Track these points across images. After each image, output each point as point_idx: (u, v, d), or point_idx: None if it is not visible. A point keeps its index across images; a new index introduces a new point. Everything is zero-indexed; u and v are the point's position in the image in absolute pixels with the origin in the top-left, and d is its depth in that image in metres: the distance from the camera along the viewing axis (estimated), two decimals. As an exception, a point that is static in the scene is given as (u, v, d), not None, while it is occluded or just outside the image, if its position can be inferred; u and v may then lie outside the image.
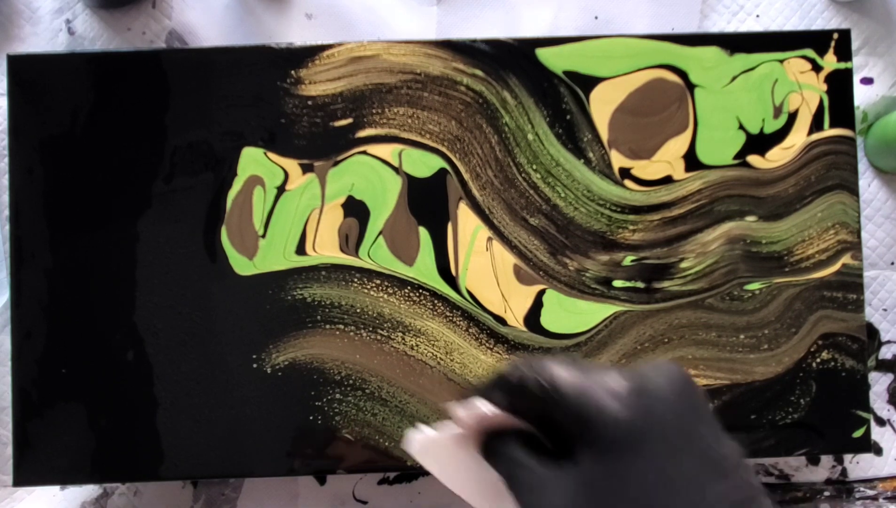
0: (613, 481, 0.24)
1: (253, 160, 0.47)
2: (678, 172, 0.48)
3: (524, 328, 0.47)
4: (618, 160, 0.47)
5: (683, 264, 0.47)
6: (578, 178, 0.47)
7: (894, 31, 0.56)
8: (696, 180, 0.48)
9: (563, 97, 0.47)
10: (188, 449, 0.46)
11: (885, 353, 0.55)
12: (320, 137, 0.47)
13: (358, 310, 0.47)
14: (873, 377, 0.55)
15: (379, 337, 0.47)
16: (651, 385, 0.25)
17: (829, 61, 0.48)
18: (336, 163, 0.47)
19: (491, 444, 0.27)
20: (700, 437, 0.24)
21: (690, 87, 0.48)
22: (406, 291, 0.47)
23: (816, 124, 0.48)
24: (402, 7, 0.55)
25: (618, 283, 0.47)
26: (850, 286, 0.48)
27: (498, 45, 0.47)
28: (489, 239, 0.47)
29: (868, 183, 0.55)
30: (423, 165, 0.47)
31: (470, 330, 0.47)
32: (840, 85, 0.48)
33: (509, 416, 0.27)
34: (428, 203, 0.47)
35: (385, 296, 0.47)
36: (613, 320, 0.48)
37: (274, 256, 0.47)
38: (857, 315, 0.48)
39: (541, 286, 0.47)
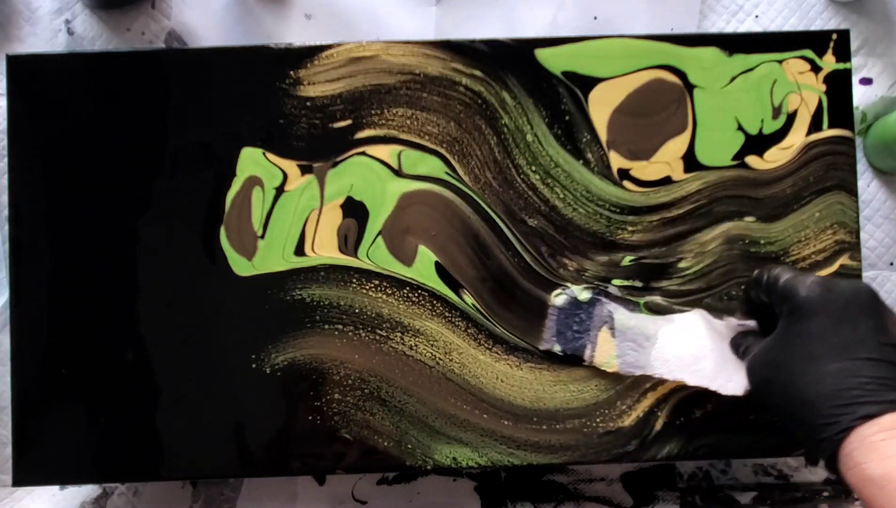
0: (790, 335, 0.39)
1: (252, 161, 0.47)
2: (677, 172, 0.48)
3: (523, 329, 0.47)
4: (616, 161, 0.47)
5: (682, 264, 0.47)
6: (577, 179, 0.47)
7: (893, 31, 0.56)
8: (695, 181, 0.48)
9: (562, 98, 0.47)
10: (188, 449, 0.46)
11: (884, 353, 0.55)
12: (319, 139, 0.47)
13: (357, 310, 0.47)
14: (872, 377, 0.55)
15: (378, 337, 0.47)
16: (832, 283, 0.38)
17: (828, 62, 0.48)
18: (335, 164, 0.47)
19: (734, 339, 0.45)
20: (855, 329, 0.36)
21: (689, 87, 0.48)
22: (405, 291, 0.47)
23: (815, 125, 0.48)
24: (400, 7, 0.55)
25: (616, 282, 0.47)
26: (848, 287, 0.48)
27: (497, 46, 0.47)
28: (488, 240, 0.47)
29: (867, 183, 0.55)
30: (423, 166, 0.47)
31: (469, 330, 0.47)
32: (839, 85, 0.48)
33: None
34: (427, 204, 0.47)
35: (384, 296, 0.47)
36: (612, 320, 0.48)
37: (273, 256, 0.47)
38: (855, 316, 0.48)
39: (539, 287, 0.48)
